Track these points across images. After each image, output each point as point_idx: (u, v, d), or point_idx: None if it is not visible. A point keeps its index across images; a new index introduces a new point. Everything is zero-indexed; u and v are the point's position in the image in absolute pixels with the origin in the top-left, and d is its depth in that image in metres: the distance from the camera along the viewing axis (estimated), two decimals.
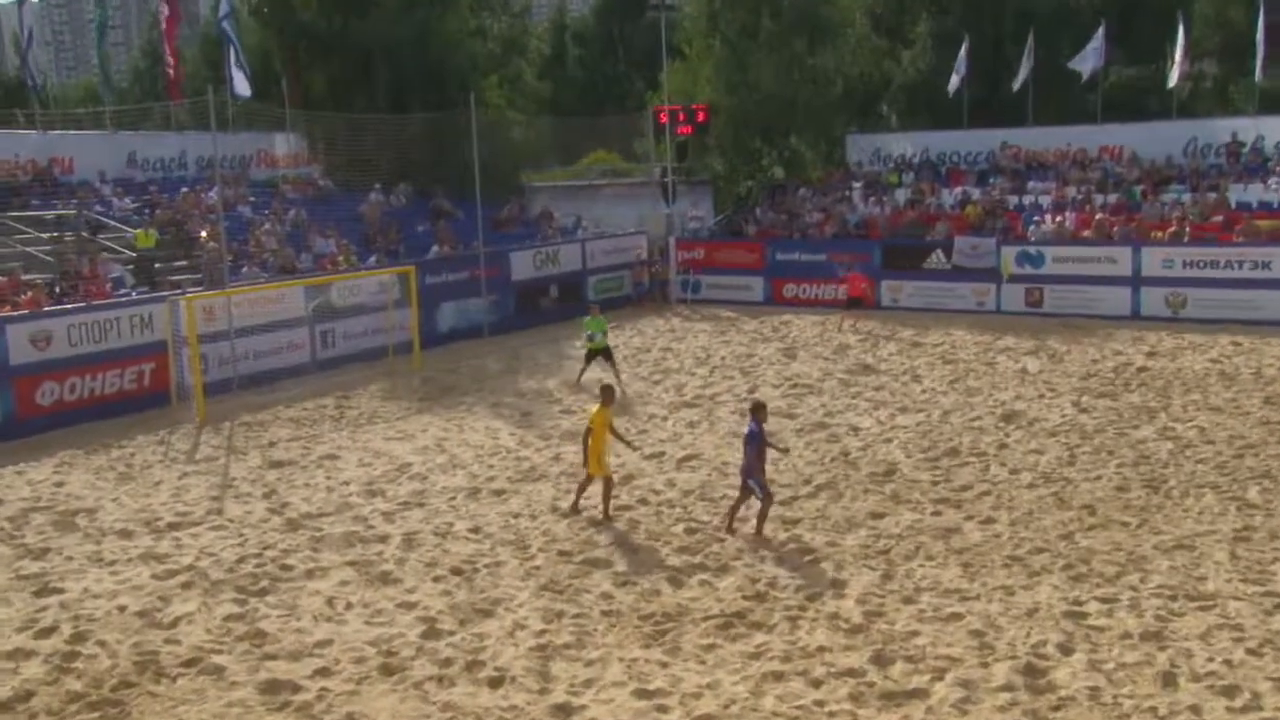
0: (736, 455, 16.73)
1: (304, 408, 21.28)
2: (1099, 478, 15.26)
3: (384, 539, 13.72)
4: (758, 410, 13.48)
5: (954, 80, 33.96)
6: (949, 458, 16.47)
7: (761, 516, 13.41)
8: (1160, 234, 27.87)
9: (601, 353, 22.32)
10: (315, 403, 21.64)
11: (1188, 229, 27.67)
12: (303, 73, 35.13)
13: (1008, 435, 17.58)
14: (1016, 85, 33.41)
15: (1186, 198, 29.33)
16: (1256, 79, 31.98)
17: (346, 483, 16.22)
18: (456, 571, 12.59)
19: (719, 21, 37.91)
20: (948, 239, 30.05)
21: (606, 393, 14.41)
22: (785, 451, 15.39)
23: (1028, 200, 31.47)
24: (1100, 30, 31.99)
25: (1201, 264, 26.76)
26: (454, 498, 15.34)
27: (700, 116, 35.67)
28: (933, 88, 36.18)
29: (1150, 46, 36.00)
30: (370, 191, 31.72)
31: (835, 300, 30.16)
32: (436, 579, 12.40)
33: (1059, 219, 29.37)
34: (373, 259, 27.78)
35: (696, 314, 31.38)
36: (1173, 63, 31.97)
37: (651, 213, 35.72)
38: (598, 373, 21.60)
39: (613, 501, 14.32)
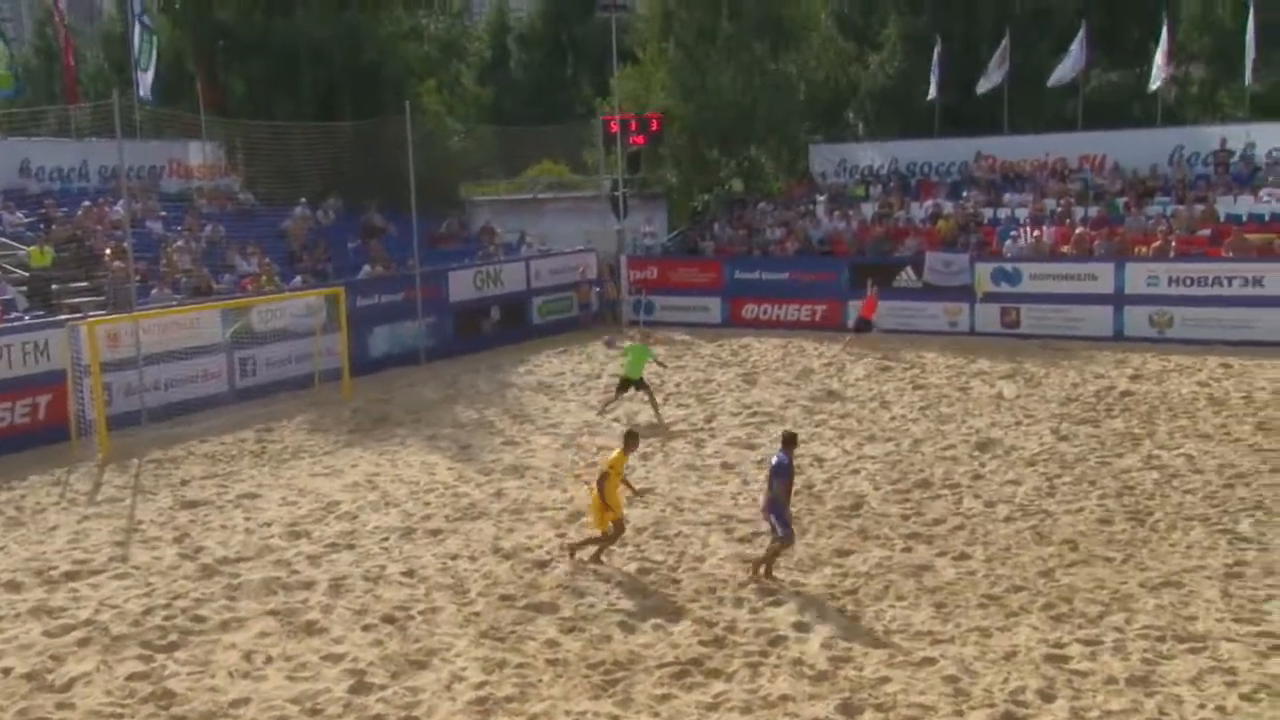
0: (692, 489, 16.84)
1: (221, 442, 21.06)
2: (1080, 510, 15.44)
3: (309, 585, 13.59)
4: (790, 442, 13.47)
5: (932, 86, 34.31)
6: (920, 490, 16.61)
7: (772, 555, 13.38)
8: (1144, 249, 28.33)
9: (635, 384, 21.81)
10: (233, 436, 21.43)
11: (1174, 243, 28.15)
12: (220, 75, 34.90)
13: (983, 465, 17.77)
14: (986, 89, 33.80)
15: (1172, 210, 29.82)
16: (1247, 83, 32.36)
17: (268, 524, 16.06)
18: (388, 619, 12.49)
19: (674, 23, 38.19)
20: (918, 255, 30.36)
21: (630, 439, 14.30)
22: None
23: (1003, 214, 31.90)
24: (1081, 32, 32.49)
25: (1188, 281, 27.21)
26: (386, 538, 15.24)
27: (653, 125, 35.93)
28: (902, 94, 36.56)
29: (1133, 49, 36.42)
30: (295, 206, 31.55)
31: (798, 322, 30.54)
32: (366, 628, 12.29)
33: (1037, 233, 29.76)
34: (298, 279, 27.65)
35: (650, 337, 31.38)
36: (1156, 65, 32.51)
37: (601, 228, 35.84)
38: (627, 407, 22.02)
39: (566, 541, 14.34)
